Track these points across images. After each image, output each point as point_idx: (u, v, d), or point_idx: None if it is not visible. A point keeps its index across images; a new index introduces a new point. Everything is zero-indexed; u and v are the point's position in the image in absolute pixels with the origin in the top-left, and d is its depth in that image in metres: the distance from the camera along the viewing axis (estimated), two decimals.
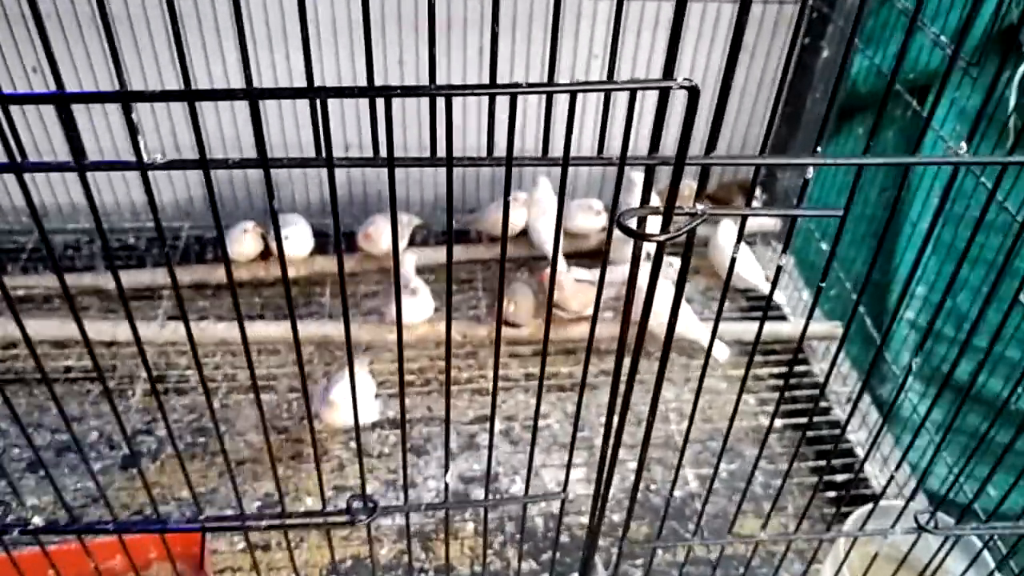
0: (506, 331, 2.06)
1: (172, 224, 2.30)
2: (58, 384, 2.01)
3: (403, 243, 2.20)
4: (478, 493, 1.84)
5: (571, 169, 0.67)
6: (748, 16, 0.55)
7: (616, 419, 0.83)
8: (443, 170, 0.64)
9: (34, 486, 1.80)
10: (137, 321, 2.04)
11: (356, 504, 1.04)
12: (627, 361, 0.83)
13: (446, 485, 1.03)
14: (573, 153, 0.65)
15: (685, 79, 0.55)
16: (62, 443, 1.89)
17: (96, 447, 1.89)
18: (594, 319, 0.79)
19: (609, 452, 0.86)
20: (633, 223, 0.62)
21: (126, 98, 0.57)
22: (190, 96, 0.59)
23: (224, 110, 2.14)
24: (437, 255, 2.25)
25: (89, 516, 1.74)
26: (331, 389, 1.70)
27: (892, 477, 1.14)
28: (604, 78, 0.64)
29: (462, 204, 2.34)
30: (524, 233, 2.23)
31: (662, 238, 0.64)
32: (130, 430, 1.92)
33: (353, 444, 1.90)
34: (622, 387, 0.87)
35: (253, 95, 0.58)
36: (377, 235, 2.12)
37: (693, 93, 0.56)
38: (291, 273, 2.21)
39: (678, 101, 0.57)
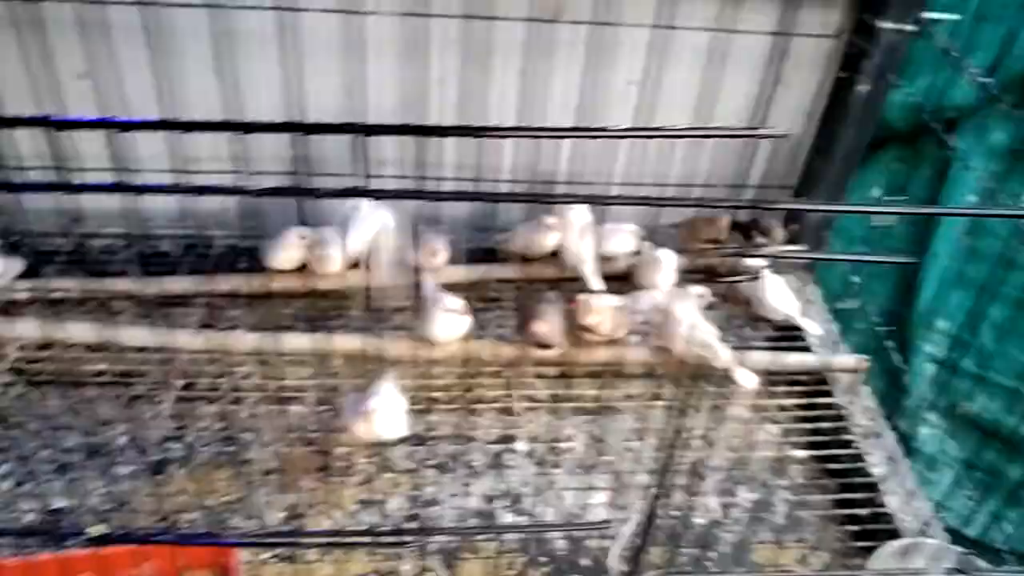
0: (534, 351, 2.08)
1: (206, 232, 2.33)
2: (90, 387, 2.03)
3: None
4: (502, 513, 1.85)
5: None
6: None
7: (669, 452, 0.84)
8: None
9: (62, 488, 1.82)
10: (169, 328, 2.08)
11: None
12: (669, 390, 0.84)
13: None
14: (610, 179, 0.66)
15: (778, 129, 0.56)
16: (93, 445, 1.91)
17: (125, 451, 1.91)
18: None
19: (657, 486, 0.87)
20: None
21: (171, 126, 0.59)
22: (237, 128, 0.61)
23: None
24: (469, 273, 2.27)
25: (113, 521, 1.76)
26: (366, 402, 1.72)
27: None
28: (638, 106, 0.65)
29: (493, 223, 2.36)
30: (555, 254, 2.25)
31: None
32: (159, 436, 1.95)
33: (379, 458, 1.91)
34: (677, 419, 0.88)
35: (301, 129, 0.60)
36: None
37: (780, 138, 0.58)
38: (323, 286, 2.24)
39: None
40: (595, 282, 2.16)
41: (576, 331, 2.03)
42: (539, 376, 2.14)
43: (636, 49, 2.13)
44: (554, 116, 2.18)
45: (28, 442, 1.91)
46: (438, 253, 2.20)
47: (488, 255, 2.35)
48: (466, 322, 1.99)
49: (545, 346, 2.01)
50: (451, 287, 2.14)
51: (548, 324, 2.01)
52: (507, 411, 2.05)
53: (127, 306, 2.22)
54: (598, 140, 2.09)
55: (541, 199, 2.22)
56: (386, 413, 1.75)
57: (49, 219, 2.25)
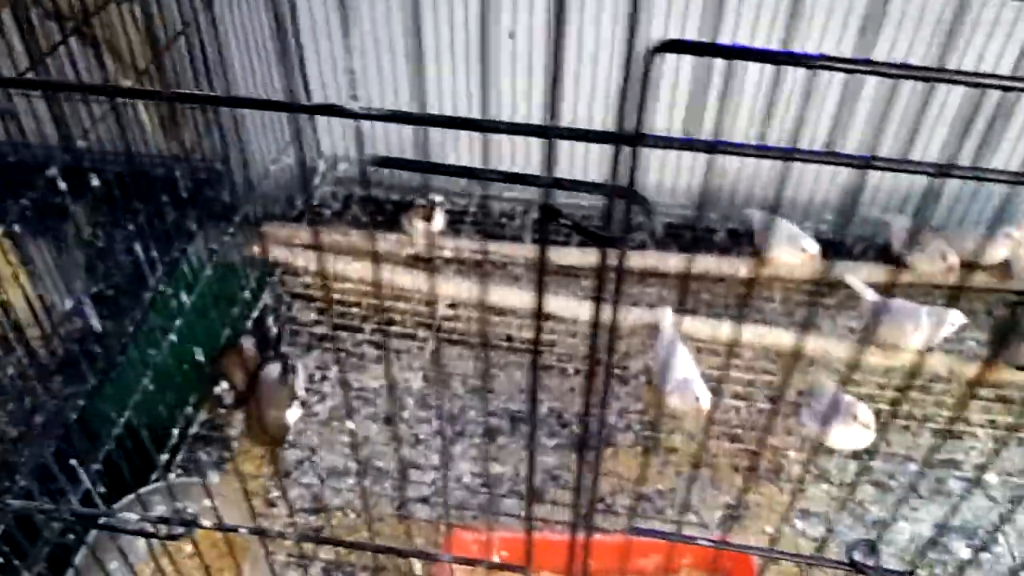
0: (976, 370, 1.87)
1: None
2: (503, 352, 2.02)
3: None
4: (956, 547, 1.67)
5: None
6: None
7: None
8: None
9: (494, 453, 1.80)
10: (567, 297, 1.99)
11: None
12: None
13: None
14: None
15: None
16: (514, 412, 1.89)
17: (547, 422, 1.88)
18: None
19: None
20: None
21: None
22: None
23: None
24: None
25: (546, 497, 1.73)
26: (852, 408, 1.57)
27: None
28: None
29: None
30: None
31: None
32: (573, 410, 1.90)
33: (818, 468, 1.78)
34: None
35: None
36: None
37: None
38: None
39: None
40: None
41: None
42: (973, 397, 1.92)
43: None
44: None
45: (454, 402, 1.91)
46: None
47: None
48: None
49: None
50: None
51: None
52: (951, 433, 1.86)
53: (523, 273, 2.19)
54: None
55: None
56: (868, 421, 1.59)
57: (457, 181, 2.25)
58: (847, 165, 0.51)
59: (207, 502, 1.46)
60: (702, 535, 1.48)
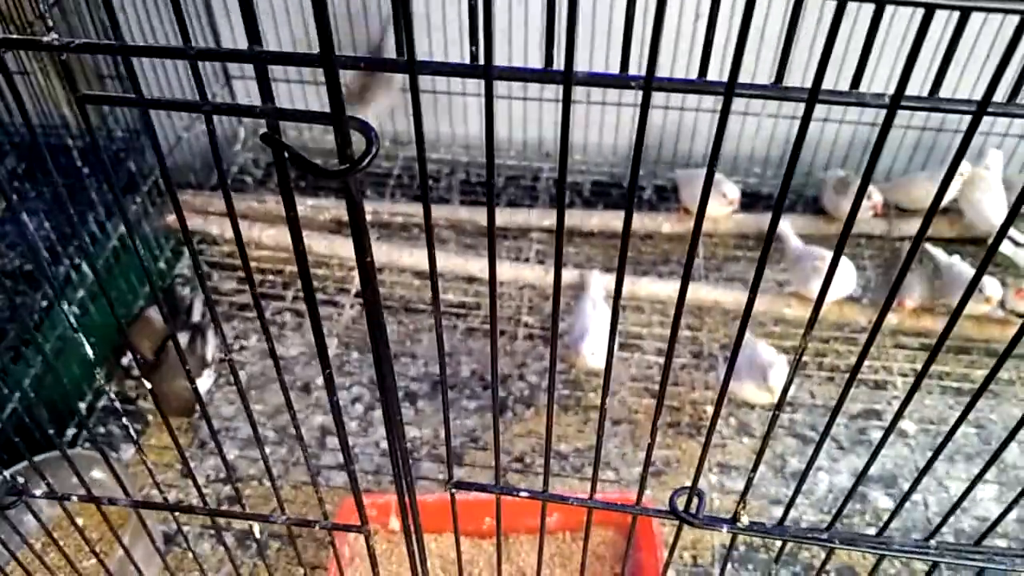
0: (897, 317, 1.86)
1: (531, 164, 2.23)
2: (425, 315, 1.99)
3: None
4: (875, 497, 1.67)
5: None
6: None
7: None
8: None
9: (411, 418, 1.78)
10: (506, 260, 1.98)
11: None
12: None
13: None
14: None
15: None
16: (435, 376, 1.87)
17: (469, 385, 1.86)
18: None
19: None
20: None
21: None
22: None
23: None
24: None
25: (465, 459, 1.71)
26: (769, 364, 1.56)
27: None
28: None
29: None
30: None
31: None
32: (502, 374, 1.88)
33: (738, 421, 1.77)
34: None
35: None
36: None
37: None
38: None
39: None
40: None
41: (1008, 313, 1.79)
42: (897, 347, 1.92)
43: None
44: None
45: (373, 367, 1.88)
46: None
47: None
48: (850, 283, 1.76)
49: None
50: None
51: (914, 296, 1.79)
52: (867, 383, 1.85)
53: (451, 235, 2.16)
54: None
55: None
56: (783, 375, 1.58)
57: (382, 142, 2.21)
58: (794, 99, 0.47)
59: (98, 474, 1.44)
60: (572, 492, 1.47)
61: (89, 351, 0.70)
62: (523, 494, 0.73)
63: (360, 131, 0.45)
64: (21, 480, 0.81)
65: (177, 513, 0.86)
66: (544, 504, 0.75)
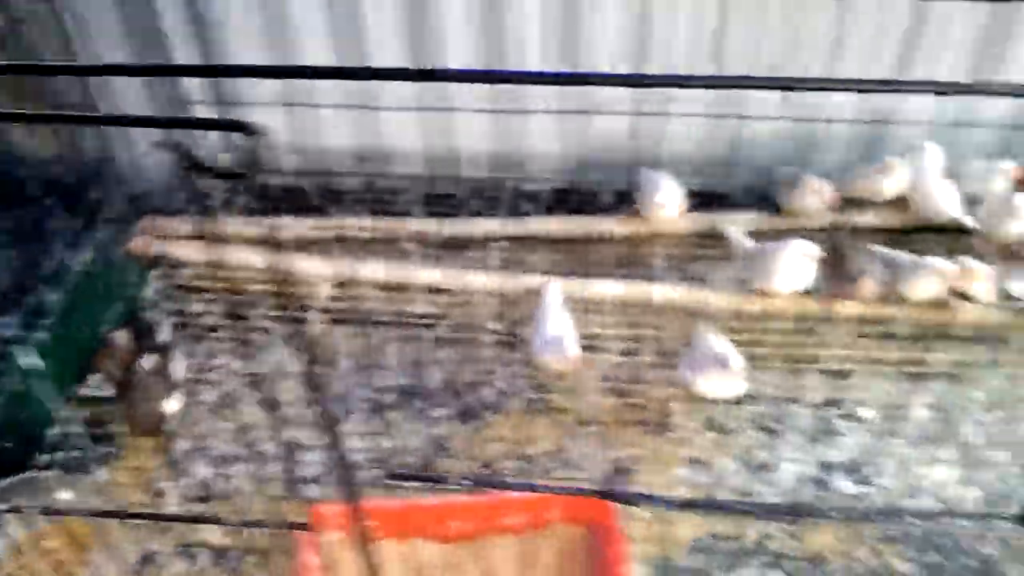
0: (853, 307, 1.90)
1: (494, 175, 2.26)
2: (394, 327, 2.01)
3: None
4: (840, 484, 1.70)
5: None
6: None
7: None
8: None
9: (382, 427, 1.80)
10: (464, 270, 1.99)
11: None
12: None
13: None
14: None
15: None
16: (404, 387, 1.89)
17: (437, 395, 1.87)
18: None
19: None
20: None
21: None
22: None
23: None
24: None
25: (435, 466, 1.73)
26: (720, 358, 1.59)
27: None
28: None
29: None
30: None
31: None
32: (469, 380, 1.90)
33: (703, 416, 1.80)
34: None
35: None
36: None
37: None
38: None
39: None
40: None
41: (952, 296, 1.85)
42: (862, 336, 1.95)
43: None
44: None
45: (342, 380, 1.90)
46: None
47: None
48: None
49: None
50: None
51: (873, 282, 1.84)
52: (829, 372, 1.88)
53: (415, 248, 2.18)
54: None
55: None
56: (738, 368, 1.62)
57: (343, 159, 2.23)
58: (753, 87, 0.48)
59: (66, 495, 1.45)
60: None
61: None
62: (465, 482, 0.75)
63: (255, 134, 0.47)
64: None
65: (147, 528, 0.87)
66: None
